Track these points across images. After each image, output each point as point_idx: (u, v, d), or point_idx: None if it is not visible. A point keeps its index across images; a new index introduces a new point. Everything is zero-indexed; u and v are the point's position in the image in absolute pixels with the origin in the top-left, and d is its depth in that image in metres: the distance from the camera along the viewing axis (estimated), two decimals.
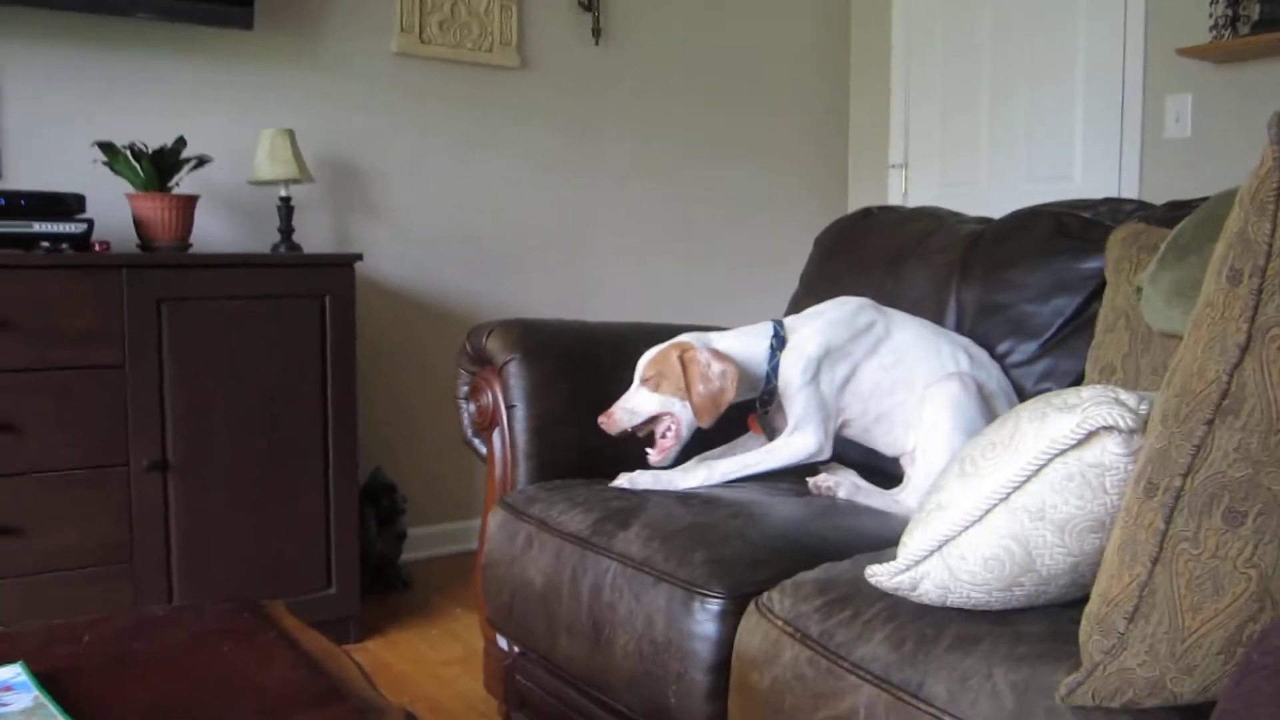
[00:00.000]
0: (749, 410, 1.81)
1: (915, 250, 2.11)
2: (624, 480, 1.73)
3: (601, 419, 1.75)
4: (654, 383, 1.73)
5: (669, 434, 1.73)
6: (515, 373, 1.95)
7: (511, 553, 1.73)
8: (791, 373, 1.74)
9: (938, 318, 1.98)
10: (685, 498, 1.64)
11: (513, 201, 3.29)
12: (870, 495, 1.71)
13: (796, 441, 1.73)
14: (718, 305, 3.61)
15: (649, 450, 1.75)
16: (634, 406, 1.74)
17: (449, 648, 2.48)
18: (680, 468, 1.76)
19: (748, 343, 1.78)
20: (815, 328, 1.75)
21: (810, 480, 1.77)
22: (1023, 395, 1.82)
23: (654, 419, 1.74)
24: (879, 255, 2.16)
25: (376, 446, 3.03)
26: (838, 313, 1.79)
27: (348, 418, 2.43)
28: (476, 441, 2.03)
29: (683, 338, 1.77)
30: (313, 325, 2.39)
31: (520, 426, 1.93)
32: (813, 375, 1.73)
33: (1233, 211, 0.80)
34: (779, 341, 1.76)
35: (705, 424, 1.70)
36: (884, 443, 1.80)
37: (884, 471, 1.87)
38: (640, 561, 1.48)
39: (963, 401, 1.65)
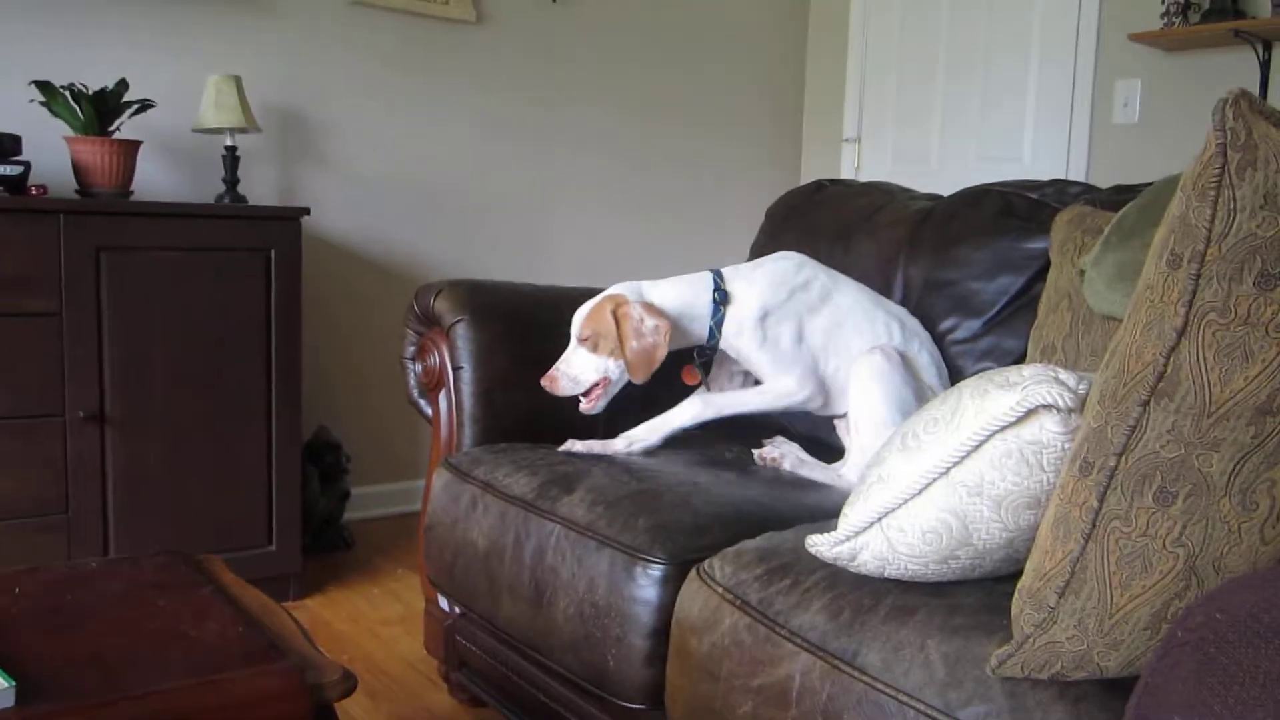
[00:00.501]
0: (685, 361, 1.81)
1: (865, 225, 2.12)
2: (617, 442, 1.74)
3: (544, 381, 1.75)
4: (591, 341, 1.73)
5: (597, 385, 1.74)
6: (463, 334, 1.94)
7: (455, 514, 1.72)
8: (742, 340, 1.74)
9: (885, 292, 2.00)
10: (631, 466, 1.64)
11: (467, 159, 3.26)
12: (814, 469, 1.72)
13: (779, 385, 1.74)
14: (672, 270, 3.60)
15: (581, 398, 1.75)
16: (577, 374, 1.74)
17: (390, 607, 2.48)
18: (677, 408, 1.75)
19: (685, 293, 1.76)
20: (757, 288, 1.75)
21: (756, 452, 1.78)
22: (963, 374, 1.84)
23: (602, 383, 1.75)
24: (829, 228, 2.17)
25: (321, 405, 3.01)
26: (776, 267, 1.79)
27: (292, 375, 2.41)
28: (422, 402, 2.03)
29: (616, 289, 1.76)
30: (257, 279, 2.36)
31: (467, 389, 1.92)
32: (764, 335, 1.73)
33: (1175, 196, 0.81)
34: (722, 295, 1.75)
35: (639, 380, 1.70)
36: (828, 410, 1.82)
37: (830, 445, 1.90)
38: (584, 526, 1.48)
39: (887, 373, 1.66)
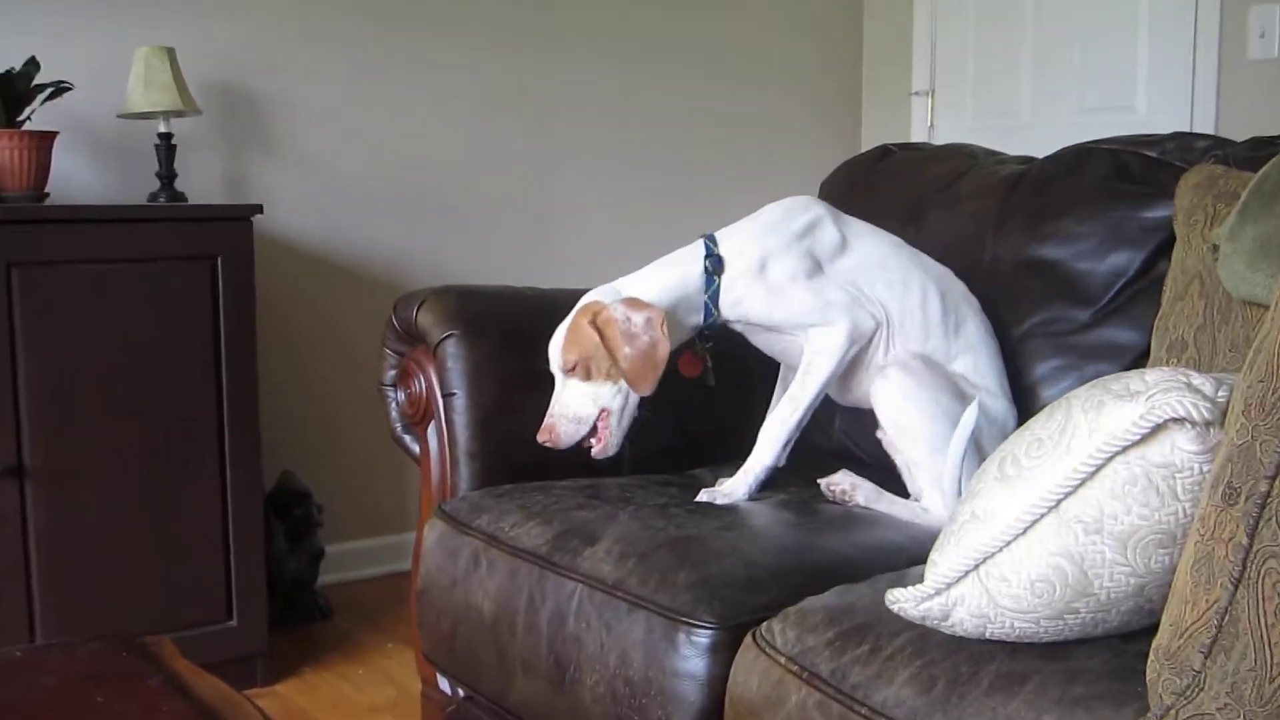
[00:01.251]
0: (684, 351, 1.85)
1: (941, 197, 2.13)
2: (706, 495, 1.78)
3: (542, 436, 1.78)
4: (581, 368, 1.76)
5: (601, 419, 1.78)
6: (453, 352, 1.96)
7: (453, 574, 1.74)
8: (746, 304, 1.79)
9: (968, 278, 1.98)
10: (667, 509, 1.67)
11: (452, 139, 3.28)
12: (893, 503, 1.74)
13: (824, 340, 1.78)
14: None
15: (592, 442, 1.79)
16: (575, 412, 1.78)
17: (379, 691, 2.50)
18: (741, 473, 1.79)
19: (671, 274, 1.81)
20: (748, 237, 1.81)
21: (822, 481, 1.80)
22: (1064, 376, 1.86)
23: (603, 416, 1.78)
24: (897, 205, 2.17)
25: (285, 445, 3.02)
26: (772, 209, 1.85)
27: (247, 409, 2.43)
28: (407, 438, 2.05)
29: (587, 299, 1.80)
30: (202, 293, 2.38)
31: (461, 419, 1.95)
32: (767, 286, 1.78)
33: None
34: (716, 263, 1.80)
35: (645, 390, 1.74)
36: (849, 394, 1.87)
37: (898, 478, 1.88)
38: (612, 584, 1.49)
39: (913, 389, 1.72)
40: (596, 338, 1.74)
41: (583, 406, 1.78)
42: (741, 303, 1.81)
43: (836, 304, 1.79)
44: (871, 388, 1.79)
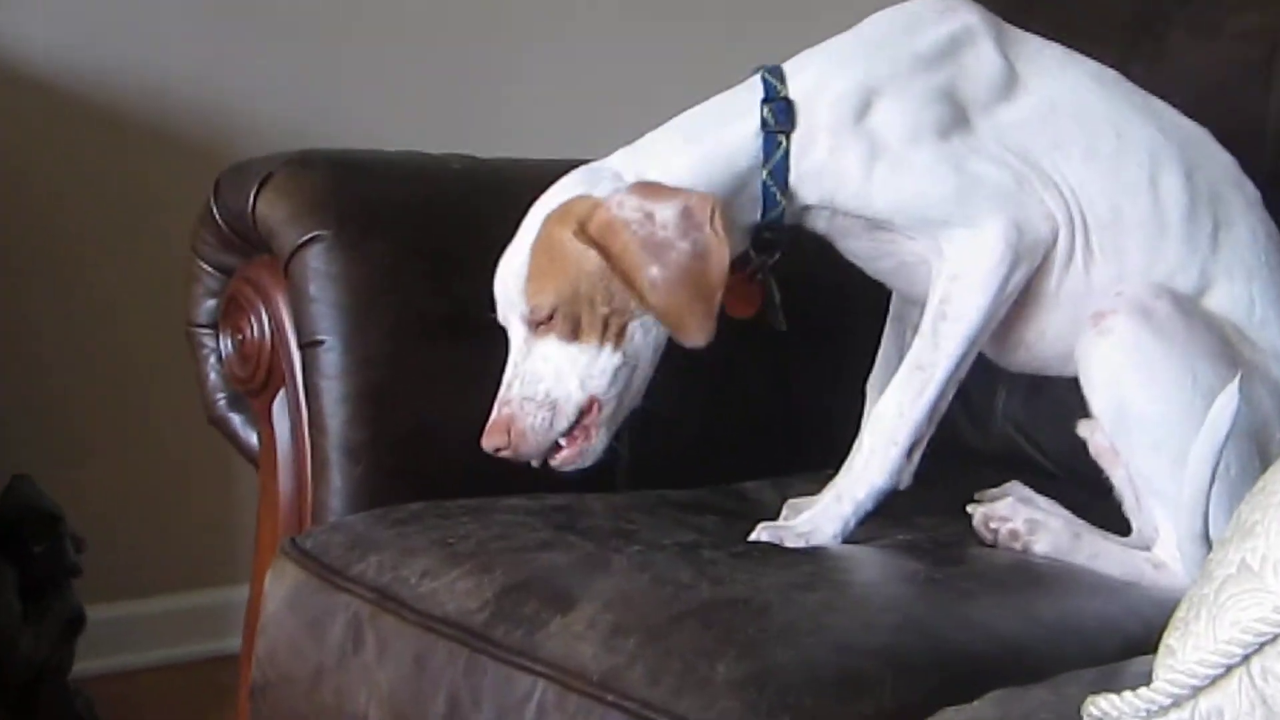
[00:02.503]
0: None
1: (1192, 3, 2.14)
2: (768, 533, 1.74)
3: (491, 439, 1.72)
4: (564, 318, 1.71)
5: (591, 413, 1.75)
6: (321, 269, 1.91)
7: (316, 659, 1.68)
8: (838, 177, 1.75)
9: (1240, 147, 1.89)
10: (691, 550, 1.63)
11: None
12: (1100, 551, 1.69)
13: (970, 257, 1.74)
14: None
15: (561, 443, 1.75)
16: (550, 395, 1.72)
17: None
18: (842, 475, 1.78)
19: (708, 139, 1.78)
20: (838, 58, 1.80)
21: (977, 511, 1.75)
22: None
23: (593, 405, 1.74)
24: (1112, 13, 2.19)
25: (18, 437, 2.88)
26: (884, 23, 1.83)
27: None
28: (236, 420, 2.04)
29: (563, 189, 1.76)
30: None
31: (333, 386, 1.90)
32: (871, 144, 1.74)
33: None
34: (782, 111, 1.76)
35: (699, 339, 1.71)
36: (1018, 351, 1.86)
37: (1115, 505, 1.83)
38: (599, 680, 1.42)
39: (1162, 358, 1.67)
40: (593, 257, 1.67)
41: (562, 386, 1.71)
42: (825, 177, 1.75)
43: (990, 188, 1.74)
44: (1079, 348, 1.72)
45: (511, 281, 1.73)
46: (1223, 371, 1.63)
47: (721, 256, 1.68)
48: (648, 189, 1.70)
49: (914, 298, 1.86)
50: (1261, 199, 1.83)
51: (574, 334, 1.71)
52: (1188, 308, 1.72)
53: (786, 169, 1.74)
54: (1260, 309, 1.77)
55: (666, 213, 1.66)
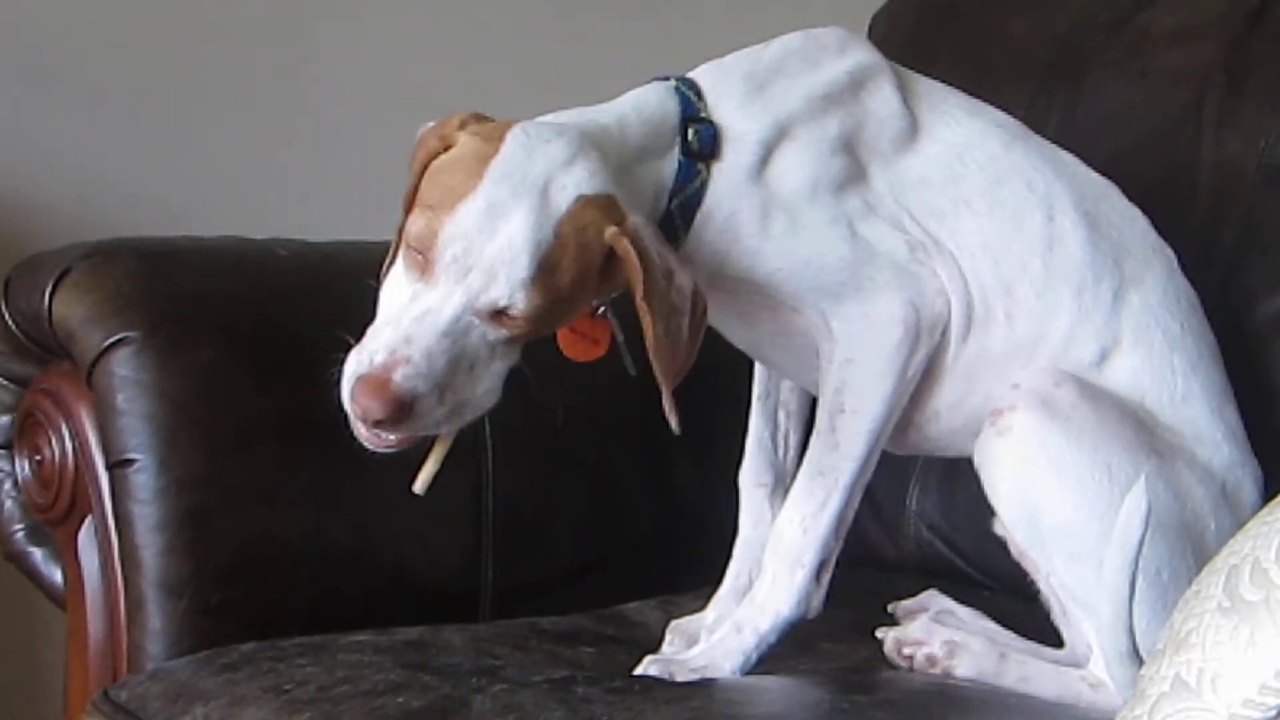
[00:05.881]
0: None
1: (1114, 42, 2.13)
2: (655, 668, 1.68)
3: (364, 400, 1.48)
4: (529, 319, 1.54)
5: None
6: (129, 376, 1.83)
7: None
8: (736, 233, 1.67)
9: (1164, 202, 1.87)
10: (564, 686, 1.56)
11: None
12: (1026, 668, 1.65)
13: (864, 337, 1.69)
14: None
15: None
16: (471, 390, 1.54)
17: None
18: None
19: (632, 143, 1.67)
20: (757, 80, 1.72)
21: (887, 636, 1.71)
22: None
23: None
24: (1025, 55, 2.20)
25: None
26: (786, 48, 1.76)
27: None
28: (36, 554, 1.98)
29: (571, 143, 1.60)
30: None
31: (147, 512, 1.82)
32: (766, 197, 1.67)
33: None
34: (706, 136, 1.67)
35: (666, 399, 1.60)
36: (911, 434, 1.79)
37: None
38: None
39: (1072, 458, 1.62)
40: (629, 256, 1.53)
41: (486, 387, 1.54)
42: (726, 231, 1.67)
43: (884, 257, 1.68)
44: (977, 452, 1.67)
45: (504, 252, 1.52)
46: (1141, 461, 1.60)
47: (693, 357, 1.59)
48: (663, 238, 1.60)
49: (787, 374, 1.82)
50: (1177, 261, 1.79)
51: (513, 341, 1.56)
52: (1094, 393, 1.67)
53: (698, 203, 1.65)
54: (1182, 383, 1.72)
55: (684, 280, 1.57)
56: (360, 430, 1.54)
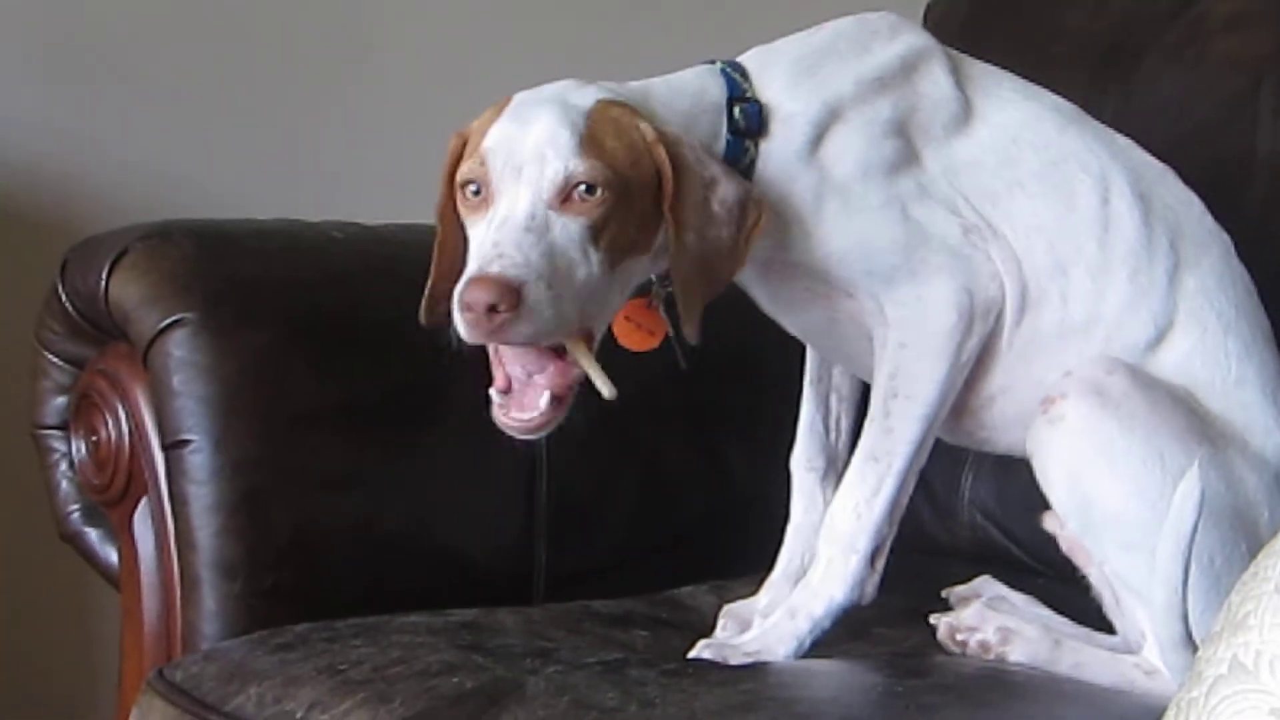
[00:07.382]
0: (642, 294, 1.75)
1: (1169, 29, 2.13)
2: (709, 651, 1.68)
3: (478, 289, 1.49)
4: (602, 207, 1.55)
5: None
6: (185, 358, 1.85)
7: None
8: (788, 212, 1.68)
9: (1220, 188, 1.85)
10: (617, 668, 1.58)
11: None
12: (1080, 654, 1.65)
13: (916, 322, 1.68)
14: None
15: (494, 394, 1.56)
16: (579, 276, 1.54)
17: None
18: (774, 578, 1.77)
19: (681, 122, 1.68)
20: (805, 64, 1.72)
21: (941, 621, 1.70)
22: None
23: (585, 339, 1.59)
24: (1079, 41, 2.20)
25: None
26: (836, 32, 1.77)
27: None
28: (92, 534, 1.98)
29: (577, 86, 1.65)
30: None
31: (203, 493, 1.84)
32: (820, 177, 1.68)
33: None
34: (752, 113, 1.68)
35: (690, 330, 1.61)
36: (966, 424, 1.81)
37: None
38: None
39: (1123, 447, 1.62)
40: (649, 165, 1.55)
41: (587, 283, 1.54)
42: (779, 214, 1.66)
43: (937, 241, 1.68)
44: (1029, 440, 1.67)
45: (543, 135, 1.55)
46: (1194, 449, 1.59)
47: (738, 268, 1.61)
48: (711, 149, 1.61)
49: (839, 359, 1.82)
50: (1233, 246, 1.78)
51: (597, 236, 1.55)
52: (1146, 380, 1.67)
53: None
54: (1236, 367, 1.72)
55: (728, 191, 1.57)
56: (497, 376, 1.53)
